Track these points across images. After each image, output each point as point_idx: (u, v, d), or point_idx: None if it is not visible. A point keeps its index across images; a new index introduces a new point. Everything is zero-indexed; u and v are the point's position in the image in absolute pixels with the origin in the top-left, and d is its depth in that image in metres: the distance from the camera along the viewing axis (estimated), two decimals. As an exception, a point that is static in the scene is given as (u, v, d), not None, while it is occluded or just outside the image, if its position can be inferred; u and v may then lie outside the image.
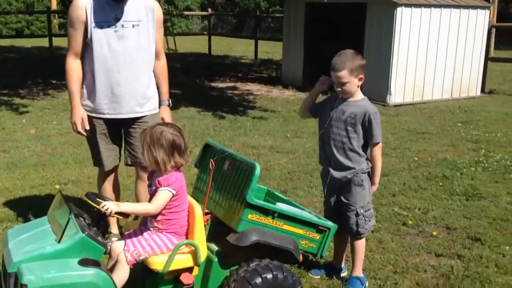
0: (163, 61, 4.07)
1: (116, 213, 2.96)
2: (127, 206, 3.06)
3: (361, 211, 3.65)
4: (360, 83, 3.61)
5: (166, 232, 3.09)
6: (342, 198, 3.69)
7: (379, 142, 3.62)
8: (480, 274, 3.98)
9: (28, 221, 3.41)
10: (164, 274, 3.04)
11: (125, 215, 3.10)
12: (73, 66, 3.79)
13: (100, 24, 3.66)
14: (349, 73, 3.52)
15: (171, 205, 3.07)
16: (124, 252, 3.02)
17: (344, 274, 3.95)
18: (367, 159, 3.68)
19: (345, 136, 3.60)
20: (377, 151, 3.64)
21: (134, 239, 3.10)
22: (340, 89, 3.58)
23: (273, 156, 6.97)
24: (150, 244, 3.06)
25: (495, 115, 10.14)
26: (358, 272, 3.78)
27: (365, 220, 3.68)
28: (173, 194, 3.04)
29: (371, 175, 3.70)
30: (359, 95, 3.66)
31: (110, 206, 2.92)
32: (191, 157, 3.19)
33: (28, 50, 19.80)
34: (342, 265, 3.99)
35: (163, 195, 3.03)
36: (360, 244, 3.77)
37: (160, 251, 3.06)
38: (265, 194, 3.78)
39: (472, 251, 4.36)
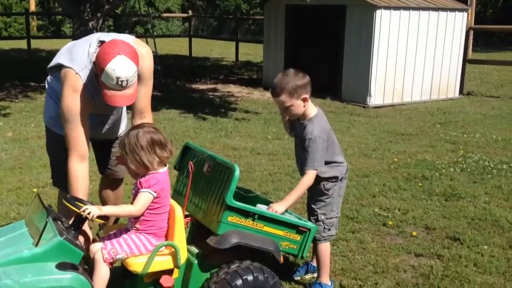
0: (148, 121, 3.49)
1: (98, 216, 2.93)
2: (109, 209, 3.03)
3: (322, 217, 3.64)
4: (306, 103, 3.47)
5: (145, 233, 3.07)
6: (310, 203, 3.72)
7: (310, 170, 3.47)
8: (459, 274, 4.02)
9: (5, 225, 3.36)
10: (143, 276, 3.01)
11: (105, 218, 3.07)
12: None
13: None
14: (288, 97, 3.41)
15: (151, 206, 3.04)
16: (101, 250, 3.00)
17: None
18: (336, 168, 3.63)
19: (301, 157, 3.58)
20: (305, 178, 3.49)
21: (113, 239, 3.08)
22: (285, 113, 3.54)
23: (254, 158, 6.97)
24: (128, 243, 3.03)
25: (473, 116, 10.26)
26: (323, 278, 3.72)
27: (324, 227, 3.65)
28: (153, 196, 3.01)
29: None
30: (310, 113, 3.53)
31: (92, 209, 2.88)
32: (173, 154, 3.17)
33: (6, 52, 19.55)
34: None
35: (144, 197, 3.00)
36: (322, 249, 3.70)
37: (138, 252, 3.03)
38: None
39: (451, 251, 4.40)
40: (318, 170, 3.53)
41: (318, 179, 3.59)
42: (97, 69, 3.10)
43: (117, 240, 3.05)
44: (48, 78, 3.60)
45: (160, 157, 3.03)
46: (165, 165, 3.12)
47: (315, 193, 3.66)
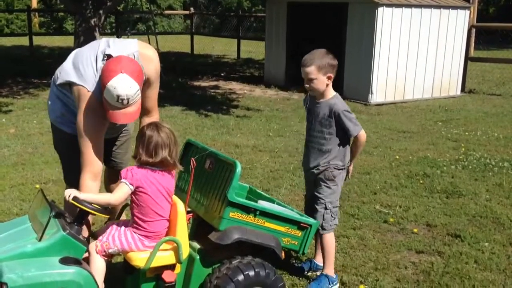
0: (155, 119, 3.58)
1: (97, 211, 2.96)
2: (88, 196, 3.00)
3: (329, 206, 3.69)
4: (329, 82, 3.61)
5: (139, 233, 3.08)
6: (315, 192, 3.75)
7: (358, 133, 3.64)
8: (459, 270, 4.03)
9: (8, 220, 3.39)
10: (145, 271, 3.03)
11: (108, 213, 3.10)
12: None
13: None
14: (317, 70, 3.55)
15: (137, 204, 3.06)
16: (97, 241, 3.04)
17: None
18: (344, 157, 3.71)
19: (320, 137, 3.66)
20: (360, 141, 3.67)
21: (110, 232, 3.10)
22: (308, 85, 3.62)
23: (255, 155, 6.98)
24: (121, 239, 3.05)
25: (474, 114, 10.26)
26: (329, 270, 3.75)
27: (331, 215, 3.71)
28: (130, 188, 3.01)
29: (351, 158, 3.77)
30: (329, 94, 3.68)
31: (72, 192, 2.95)
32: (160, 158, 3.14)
33: (8, 49, 19.58)
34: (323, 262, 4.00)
35: (122, 188, 3.02)
36: (328, 240, 3.74)
37: (129, 249, 3.05)
38: (247, 192, 3.79)
39: (452, 248, 4.41)
40: (331, 159, 3.63)
41: (327, 166, 3.66)
42: (101, 85, 3.13)
43: (112, 234, 3.08)
44: (56, 79, 3.60)
45: (143, 158, 3.03)
46: (154, 166, 3.08)
47: (320, 181, 3.69)
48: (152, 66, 3.40)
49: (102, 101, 3.20)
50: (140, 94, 3.16)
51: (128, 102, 3.06)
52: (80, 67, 3.32)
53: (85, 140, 3.26)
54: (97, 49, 3.37)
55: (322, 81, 3.58)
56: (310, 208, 3.79)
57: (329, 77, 3.60)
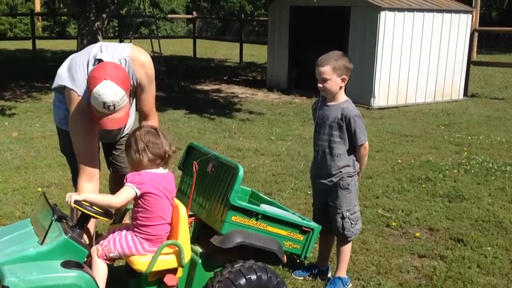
0: (153, 122, 3.63)
1: (98, 214, 2.96)
2: (88, 196, 3.02)
3: (347, 214, 3.68)
4: (343, 84, 3.62)
5: (140, 236, 3.07)
6: (329, 201, 3.73)
7: (363, 144, 3.64)
8: (462, 275, 4.02)
9: (10, 223, 3.39)
10: (147, 275, 3.03)
11: (108, 216, 3.10)
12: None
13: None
14: (331, 70, 3.55)
15: (141, 209, 3.05)
16: (98, 245, 3.04)
17: (328, 275, 3.97)
18: (354, 162, 3.70)
19: (330, 141, 3.65)
20: (362, 151, 3.68)
21: (111, 236, 3.10)
22: (321, 85, 3.62)
23: (257, 158, 6.98)
24: (121, 243, 3.05)
25: (477, 118, 10.25)
26: (342, 273, 3.81)
27: (351, 223, 3.70)
28: (136, 193, 3.01)
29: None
30: (341, 98, 3.68)
31: (72, 195, 2.95)
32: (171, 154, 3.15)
33: (11, 52, 19.63)
34: (327, 267, 4.01)
35: (126, 191, 3.02)
36: (346, 247, 3.80)
37: (129, 252, 3.04)
38: (249, 195, 3.79)
39: (455, 252, 4.40)
40: (342, 167, 3.63)
41: (341, 176, 3.66)
42: (88, 92, 3.15)
43: (113, 238, 3.08)
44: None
45: (148, 158, 3.03)
46: (160, 167, 3.09)
47: (334, 191, 3.69)
48: (144, 71, 3.43)
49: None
50: (127, 99, 3.18)
51: (114, 108, 3.08)
52: (73, 71, 3.35)
53: (78, 142, 3.32)
54: (90, 53, 3.40)
55: (335, 82, 3.59)
56: (321, 216, 3.77)
57: (343, 79, 3.61)
